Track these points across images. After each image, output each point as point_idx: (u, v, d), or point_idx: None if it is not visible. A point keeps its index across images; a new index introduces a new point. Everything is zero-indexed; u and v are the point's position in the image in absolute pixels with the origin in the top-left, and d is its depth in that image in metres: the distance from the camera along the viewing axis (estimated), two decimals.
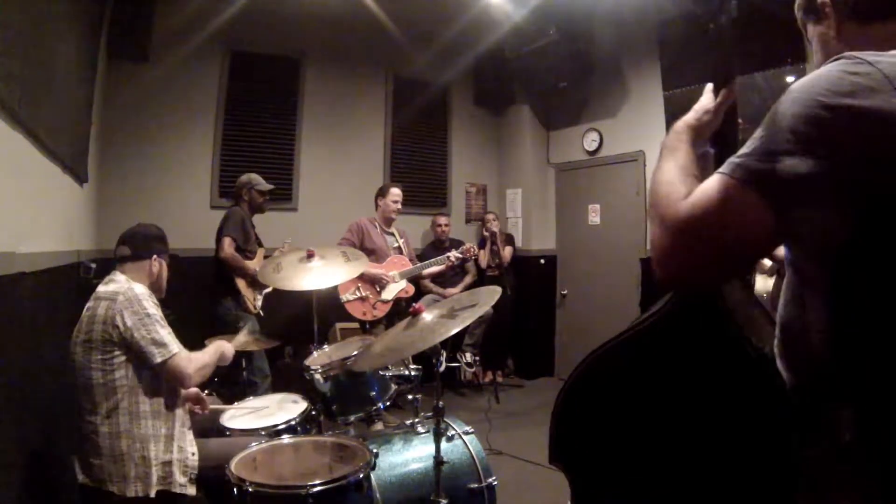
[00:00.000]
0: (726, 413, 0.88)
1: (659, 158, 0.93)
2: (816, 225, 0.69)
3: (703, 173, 0.85)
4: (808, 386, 0.80)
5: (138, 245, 2.06)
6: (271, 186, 3.98)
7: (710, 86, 1.06)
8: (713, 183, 0.75)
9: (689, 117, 1.02)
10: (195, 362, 1.95)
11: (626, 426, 0.98)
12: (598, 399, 1.03)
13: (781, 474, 0.81)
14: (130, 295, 1.88)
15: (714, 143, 1.03)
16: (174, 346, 1.89)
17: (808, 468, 0.79)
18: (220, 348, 2.13)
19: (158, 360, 1.85)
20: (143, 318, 1.85)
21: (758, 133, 0.73)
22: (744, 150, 0.74)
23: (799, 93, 0.71)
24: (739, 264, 0.79)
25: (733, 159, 0.74)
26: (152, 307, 1.91)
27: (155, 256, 2.07)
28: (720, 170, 0.75)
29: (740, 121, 1.06)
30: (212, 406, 2.26)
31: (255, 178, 3.90)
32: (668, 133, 0.99)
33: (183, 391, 2.04)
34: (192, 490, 1.90)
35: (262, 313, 3.75)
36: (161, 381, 1.93)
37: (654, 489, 0.94)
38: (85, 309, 1.92)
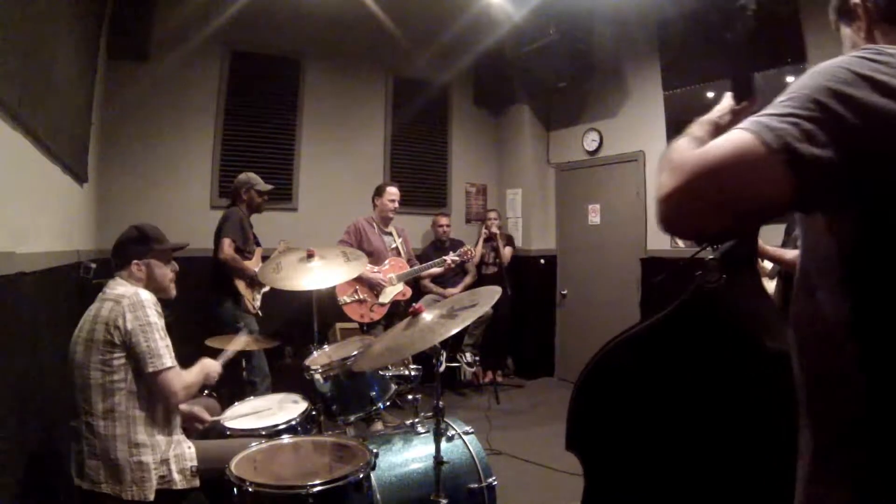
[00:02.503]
0: (740, 405, 0.88)
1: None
2: (831, 198, 0.70)
3: None
4: (819, 381, 0.81)
5: (117, 254, 2.03)
6: (270, 187, 3.96)
7: (729, 94, 1.06)
8: (730, 135, 0.74)
9: (710, 114, 1.03)
10: (185, 381, 1.93)
11: (642, 417, 0.99)
12: (615, 389, 1.03)
13: (791, 466, 0.81)
14: (136, 300, 1.87)
15: None
16: (168, 359, 1.87)
17: (810, 457, 0.79)
18: (205, 369, 2.10)
19: (150, 369, 1.84)
20: (144, 325, 1.85)
21: (778, 99, 0.74)
22: (765, 111, 0.74)
23: (822, 68, 0.72)
24: (745, 218, 0.76)
25: (753, 117, 0.74)
26: (155, 315, 1.90)
27: (134, 261, 2.00)
28: (739, 125, 0.74)
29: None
30: (213, 418, 2.25)
31: (253, 177, 3.89)
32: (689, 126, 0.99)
33: (181, 408, 2.04)
34: (194, 482, 1.90)
35: (260, 313, 3.75)
36: None
37: (667, 477, 0.95)
38: (90, 308, 1.92)
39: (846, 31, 0.91)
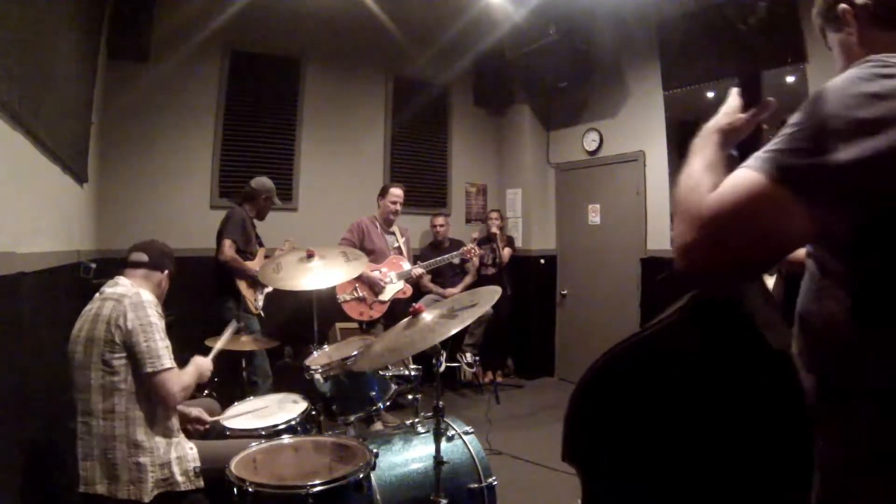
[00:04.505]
0: (745, 412, 0.87)
1: (686, 159, 0.93)
2: (845, 220, 0.70)
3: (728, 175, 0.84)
4: (828, 381, 0.80)
5: (155, 256, 2.10)
6: (280, 203, 4.03)
7: (735, 89, 1.04)
8: (741, 177, 0.74)
9: (717, 120, 1.00)
10: (182, 382, 1.93)
11: (642, 426, 0.98)
12: (613, 398, 1.02)
13: (802, 473, 0.81)
14: (137, 300, 1.88)
15: (738, 145, 1.01)
16: (167, 360, 1.87)
17: (824, 464, 0.79)
18: (199, 368, 2.10)
19: (148, 370, 1.84)
20: (145, 325, 1.85)
21: (787, 129, 0.73)
22: (772, 145, 0.74)
23: (832, 91, 0.71)
24: (765, 261, 0.77)
25: (761, 154, 0.74)
26: (156, 316, 1.90)
27: (167, 272, 2.13)
28: (747, 164, 0.74)
29: (765, 126, 1.05)
30: (212, 418, 2.25)
31: (273, 188, 3.92)
32: (697, 135, 0.98)
33: (182, 411, 2.04)
34: (198, 483, 1.90)
35: (262, 314, 3.75)
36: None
37: (668, 489, 0.94)
38: (87, 307, 1.92)
39: (836, 36, 0.89)
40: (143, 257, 2.07)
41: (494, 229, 5.38)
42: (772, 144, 0.74)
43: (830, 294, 0.78)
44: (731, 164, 0.91)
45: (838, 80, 0.73)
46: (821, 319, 0.80)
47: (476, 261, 5.22)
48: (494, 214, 5.51)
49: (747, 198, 0.72)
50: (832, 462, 0.78)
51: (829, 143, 0.68)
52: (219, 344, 2.45)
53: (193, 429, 2.16)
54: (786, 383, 0.85)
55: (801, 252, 0.90)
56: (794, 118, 0.73)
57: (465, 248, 4.69)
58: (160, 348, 1.86)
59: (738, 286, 0.89)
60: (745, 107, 1.00)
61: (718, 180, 0.79)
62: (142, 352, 1.83)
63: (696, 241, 0.75)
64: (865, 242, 0.71)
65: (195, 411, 2.17)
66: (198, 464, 1.92)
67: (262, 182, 3.89)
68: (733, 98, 1.02)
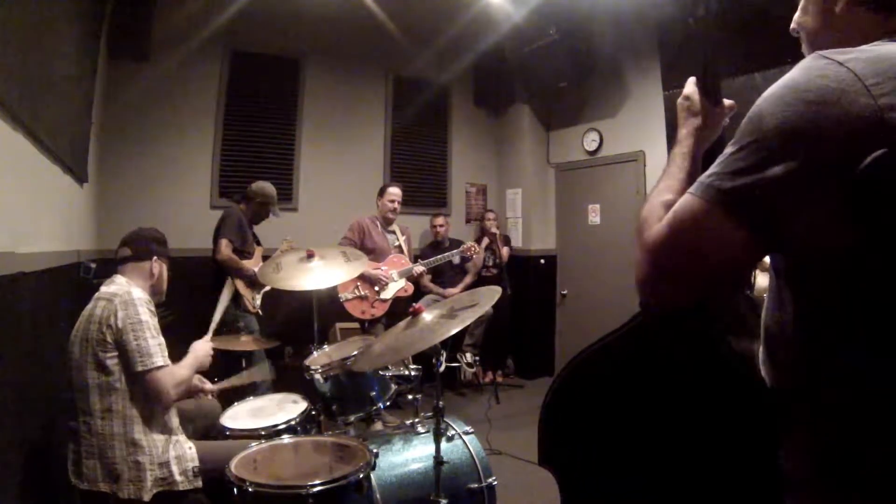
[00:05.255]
0: (708, 414, 0.87)
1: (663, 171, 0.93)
2: (792, 232, 0.68)
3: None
4: (786, 386, 0.79)
5: (139, 246, 2.07)
6: (279, 216, 3.98)
7: (692, 79, 1.04)
8: (684, 205, 0.74)
9: (687, 122, 1.00)
10: (177, 377, 1.91)
11: (611, 428, 0.99)
12: (582, 402, 1.03)
13: (768, 475, 0.81)
14: (127, 298, 1.87)
15: (703, 155, 1.01)
16: (158, 358, 1.86)
17: (785, 469, 0.78)
18: (198, 357, 2.10)
19: (139, 368, 1.82)
20: (135, 323, 1.84)
21: (728, 149, 0.72)
22: (714, 168, 0.73)
23: (767, 101, 0.70)
24: (718, 284, 0.78)
25: (703, 179, 0.73)
26: (146, 314, 1.89)
27: (155, 258, 2.09)
28: (690, 190, 0.74)
29: (726, 120, 1.05)
30: (216, 386, 2.27)
31: (272, 196, 3.87)
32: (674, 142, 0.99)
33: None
34: (197, 483, 1.90)
35: (261, 312, 3.75)
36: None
37: (640, 491, 0.95)
38: (86, 308, 1.92)
39: (817, 1, 0.85)
40: (127, 251, 2.06)
41: (494, 229, 5.38)
42: (714, 167, 0.73)
43: (786, 302, 0.77)
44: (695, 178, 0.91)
45: (774, 87, 0.71)
46: (778, 326, 0.79)
47: (479, 261, 5.23)
48: (490, 215, 5.52)
49: (690, 223, 0.72)
50: (795, 472, 0.77)
51: (762, 158, 0.67)
52: (213, 322, 2.46)
53: (196, 395, 2.19)
54: (746, 388, 0.84)
55: None
56: (736, 136, 0.72)
57: (465, 246, 4.70)
58: (151, 346, 1.84)
59: (697, 312, 0.89)
60: (706, 98, 1.00)
61: (672, 202, 0.78)
62: (132, 350, 1.82)
63: (647, 273, 0.76)
64: (809, 259, 0.70)
65: (194, 383, 2.18)
66: (196, 463, 1.91)
67: (262, 186, 3.87)
68: (689, 87, 1.03)
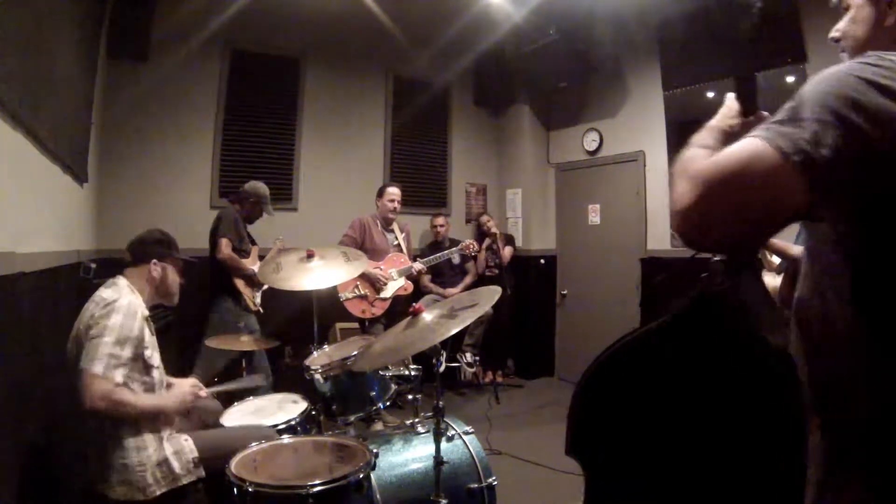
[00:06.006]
0: (744, 408, 0.87)
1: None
2: (842, 202, 0.70)
3: None
4: (825, 378, 0.80)
5: (136, 250, 2.07)
6: (273, 214, 3.98)
7: (731, 95, 1.05)
8: (749, 143, 0.74)
9: (717, 119, 1.01)
10: (112, 395, 1.75)
11: (643, 421, 0.98)
12: (615, 394, 1.03)
13: (799, 468, 0.81)
14: (109, 300, 1.86)
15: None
16: (99, 367, 1.74)
17: (817, 459, 0.79)
18: (162, 400, 1.95)
19: (81, 365, 1.76)
20: (102, 326, 1.79)
21: (786, 106, 0.74)
22: (776, 117, 0.74)
23: (826, 76, 0.72)
24: (761, 226, 0.77)
25: (766, 123, 0.74)
26: (118, 321, 1.81)
27: (154, 261, 2.06)
28: (754, 133, 0.75)
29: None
30: (210, 390, 2.25)
31: (265, 195, 3.87)
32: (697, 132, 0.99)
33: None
34: (199, 472, 1.90)
35: (261, 310, 3.76)
36: (152, 387, 1.93)
37: (669, 483, 0.95)
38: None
39: (866, 6, 0.88)
40: (127, 256, 2.06)
41: (494, 230, 5.38)
42: (776, 116, 0.74)
43: (830, 296, 0.77)
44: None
45: (833, 67, 0.73)
46: (823, 319, 0.80)
47: (481, 265, 5.23)
48: (485, 218, 5.54)
49: (749, 161, 0.72)
50: (828, 466, 0.78)
51: (821, 116, 0.69)
52: (229, 385, 2.43)
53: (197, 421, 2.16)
54: (785, 382, 0.85)
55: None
56: (794, 97, 0.74)
57: (464, 244, 4.70)
58: (101, 353, 1.76)
59: (727, 252, 0.89)
60: (743, 111, 1.02)
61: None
62: (85, 346, 1.78)
63: (696, 199, 0.74)
64: (861, 247, 0.71)
65: (190, 381, 2.16)
66: (195, 454, 1.92)
67: (255, 186, 3.88)
68: (730, 101, 1.04)
